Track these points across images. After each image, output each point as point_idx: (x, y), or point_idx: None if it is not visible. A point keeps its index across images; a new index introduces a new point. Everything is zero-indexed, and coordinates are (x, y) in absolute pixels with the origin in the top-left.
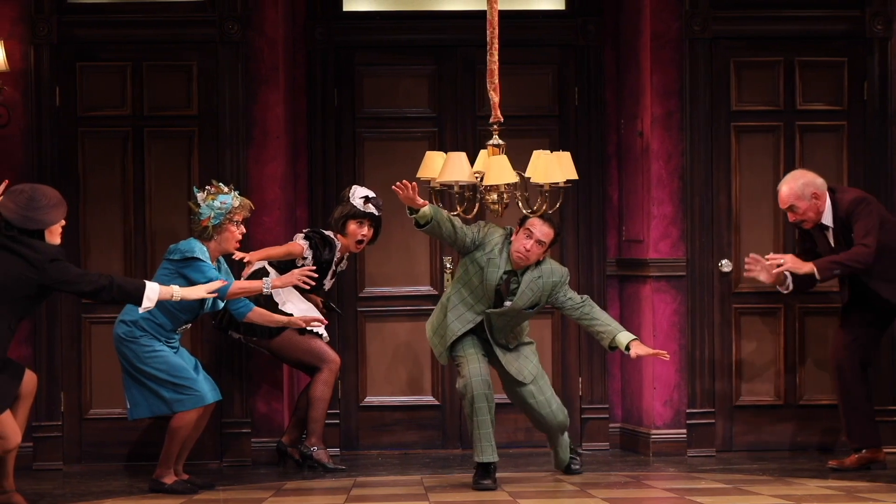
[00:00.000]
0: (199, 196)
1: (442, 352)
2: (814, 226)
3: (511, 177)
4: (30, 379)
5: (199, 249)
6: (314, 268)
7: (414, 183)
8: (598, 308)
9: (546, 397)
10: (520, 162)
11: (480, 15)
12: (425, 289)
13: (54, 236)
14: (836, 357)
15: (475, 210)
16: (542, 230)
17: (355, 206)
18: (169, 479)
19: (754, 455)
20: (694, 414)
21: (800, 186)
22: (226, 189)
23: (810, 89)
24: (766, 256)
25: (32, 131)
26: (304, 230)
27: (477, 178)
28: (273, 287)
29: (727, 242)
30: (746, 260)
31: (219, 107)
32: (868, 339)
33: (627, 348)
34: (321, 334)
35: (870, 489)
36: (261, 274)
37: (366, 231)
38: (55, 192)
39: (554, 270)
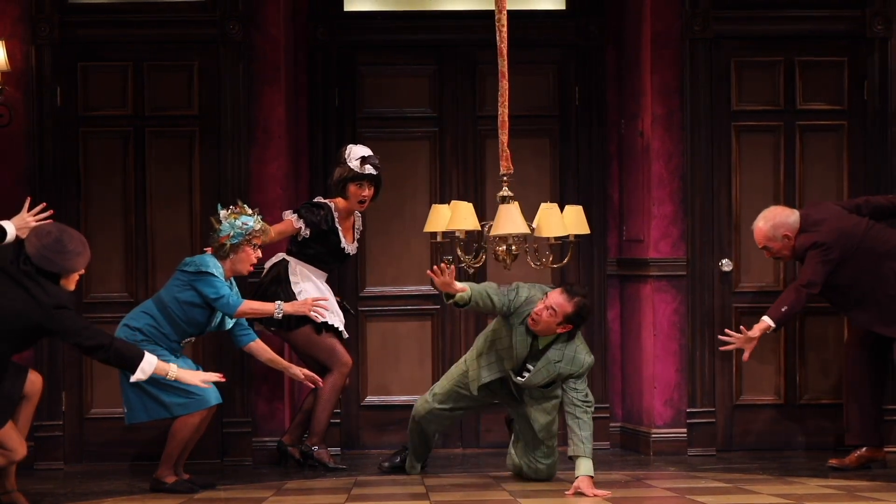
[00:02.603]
0: (223, 213)
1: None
2: (790, 260)
3: (521, 227)
4: (34, 380)
5: (214, 265)
6: (327, 298)
7: (452, 267)
8: (589, 418)
9: (538, 460)
10: (521, 163)
11: (481, 15)
12: (426, 288)
13: (70, 283)
14: (847, 350)
15: (481, 260)
16: (555, 299)
17: (353, 169)
18: (170, 479)
19: (755, 454)
20: (694, 413)
21: (770, 229)
22: (249, 211)
23: (811, 89)
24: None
25: (34, 131)
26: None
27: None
28: (285, 313)
29: (728, 242)
30: (725, 339)
31: (220, 107)
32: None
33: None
34: (341, 331)
35: (870, 488)
36: (281, 266)
37: (366, 192)
38: (82, 239)
39: (577, 361)
